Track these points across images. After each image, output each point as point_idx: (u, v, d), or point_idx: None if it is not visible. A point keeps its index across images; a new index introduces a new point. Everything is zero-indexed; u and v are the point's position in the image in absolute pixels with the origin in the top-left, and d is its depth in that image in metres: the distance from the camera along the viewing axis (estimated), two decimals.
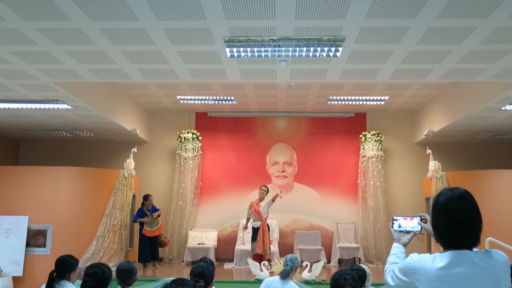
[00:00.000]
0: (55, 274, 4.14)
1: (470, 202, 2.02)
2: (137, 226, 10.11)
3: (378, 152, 11.09)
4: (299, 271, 8.10)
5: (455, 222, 1.98)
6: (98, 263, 3.78)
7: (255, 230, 9.10)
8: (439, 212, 2.04)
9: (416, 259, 2.04)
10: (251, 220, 9.26)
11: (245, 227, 9.44)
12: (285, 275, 5.10)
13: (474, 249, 2.01)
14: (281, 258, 5.69)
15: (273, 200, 9.16)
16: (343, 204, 11.31)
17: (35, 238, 8.52)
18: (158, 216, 9.80)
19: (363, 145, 11.23)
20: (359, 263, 9.87)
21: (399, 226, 2.49)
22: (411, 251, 2.15)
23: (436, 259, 1.99)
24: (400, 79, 6.97)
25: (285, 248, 10.54)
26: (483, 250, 2.03)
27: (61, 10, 4.63)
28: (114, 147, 11.80)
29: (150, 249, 9.66)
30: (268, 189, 9.48)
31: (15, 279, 7.91)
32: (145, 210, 9.76)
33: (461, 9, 4.57)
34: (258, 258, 8.74)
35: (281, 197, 9.06)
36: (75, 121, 9.59)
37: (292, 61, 6.21)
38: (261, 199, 9.28)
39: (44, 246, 8.48)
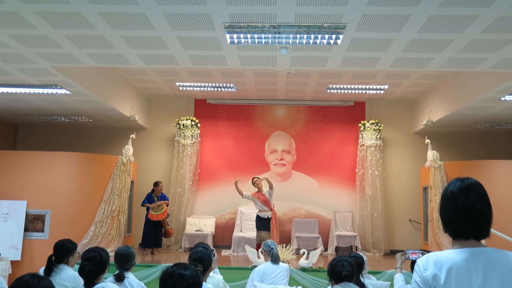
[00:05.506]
0: (53, 258, 4.16)
1: (480, 192, 2.00)
2: (141, 211, 10.25)
3: (377, 141, 11.10)
4: (296, 258, 8.17)
5: (463, 212, 1.95)
6: (95, 247, 3.79)
7: (263, 220, 9.03)
8: (447, 202, 2.01)
9: (425, 259, 1.94)
10: (257, 209, 9.18)
11: (236, 183, 9.19)
12: (276, 258, 5.32)
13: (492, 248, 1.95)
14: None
15: (271, 187, 9.16)
16: (341, 193, 11.34)
17: (33, 223, 8.54)
18: (160, 205, 9.83)
19: (362, 134, 11.23)
20: (356, 251, 9.93)
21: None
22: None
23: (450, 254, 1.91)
24: (401, 67, 6.94)
25: (283, 236, 10.57)
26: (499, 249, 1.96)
27: None
28: (112, 133, 11.78)
29: (154, 235, 9.73)
30: (259, 178, 9.43)
31: (13, 263, 7.95)
32: (153, 196, 9.86)
33: None
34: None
35: (269, 178, 9.36)
36: (74, 106, 9.55)
37: (292, 48, 6.17)
38: (259, 189, 9.26)
39: (43, 231, 8.51)
